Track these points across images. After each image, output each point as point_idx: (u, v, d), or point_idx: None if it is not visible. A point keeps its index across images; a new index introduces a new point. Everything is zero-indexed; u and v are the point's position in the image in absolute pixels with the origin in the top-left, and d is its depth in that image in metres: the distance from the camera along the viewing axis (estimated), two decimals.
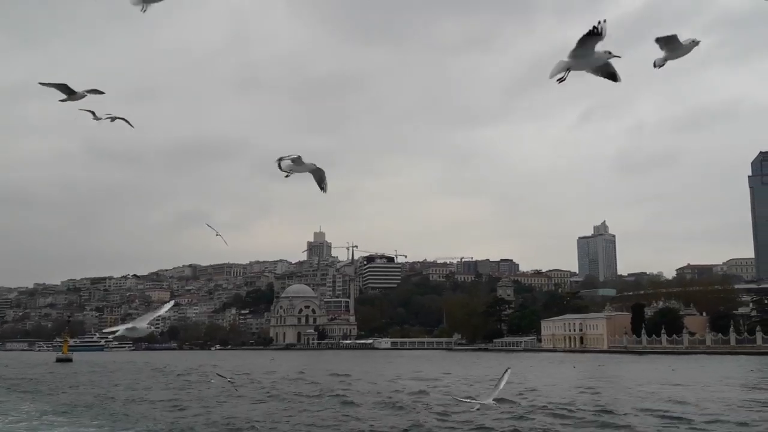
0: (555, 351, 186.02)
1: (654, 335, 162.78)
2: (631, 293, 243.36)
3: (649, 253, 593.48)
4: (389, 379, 70.49)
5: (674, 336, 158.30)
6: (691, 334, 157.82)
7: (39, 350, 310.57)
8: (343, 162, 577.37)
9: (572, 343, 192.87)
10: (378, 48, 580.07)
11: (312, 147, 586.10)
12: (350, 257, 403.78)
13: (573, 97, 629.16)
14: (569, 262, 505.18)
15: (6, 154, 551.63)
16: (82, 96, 13.25)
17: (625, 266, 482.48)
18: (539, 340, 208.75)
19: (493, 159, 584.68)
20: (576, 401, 43.38)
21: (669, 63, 10.65)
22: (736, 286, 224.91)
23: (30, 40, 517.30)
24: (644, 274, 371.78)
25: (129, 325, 12.00)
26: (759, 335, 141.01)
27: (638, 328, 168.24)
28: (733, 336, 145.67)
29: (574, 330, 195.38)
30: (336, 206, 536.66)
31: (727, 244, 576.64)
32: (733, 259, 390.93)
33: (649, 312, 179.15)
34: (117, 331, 11.26)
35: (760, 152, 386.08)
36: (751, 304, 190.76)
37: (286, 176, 11.43)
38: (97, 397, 52.89)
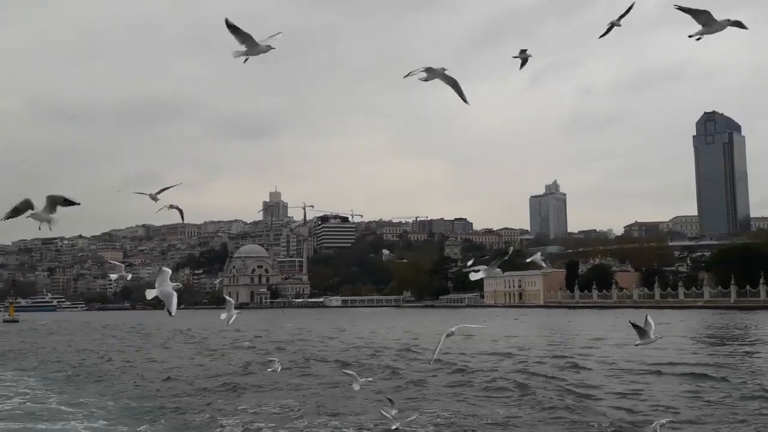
0: (496, 306, 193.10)
1: (586, 291, 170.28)
2: (573, 251, 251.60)
3: (599, 211, 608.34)
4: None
5: (604, 291, 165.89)
6: (620, 289, 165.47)
7: None
8: (297, 122, 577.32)
9: (512, 299, 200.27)
10: (329, 7, 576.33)
11: (265, 107, 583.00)
12: (304, 217, 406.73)
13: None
14: (522, 220, 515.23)
15: None
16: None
17: (575, 225, 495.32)
18: (482, 297, 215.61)
19: (447, 120, 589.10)
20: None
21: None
22: (671, 244, 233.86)
23: None
24: (594, 231, 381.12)
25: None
26: (681, 290, 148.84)
27: (572, 284, 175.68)
28: (657, 291, 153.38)
29: (514, 286, 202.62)
30: (293, 167, 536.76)
31: (673, 202, 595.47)
32: (678, 217, 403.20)
33: (584, 269, 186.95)
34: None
35: (705, 113, 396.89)
36: (688, 261, 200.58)
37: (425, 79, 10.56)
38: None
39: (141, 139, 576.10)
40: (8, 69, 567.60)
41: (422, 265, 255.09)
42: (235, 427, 22.11)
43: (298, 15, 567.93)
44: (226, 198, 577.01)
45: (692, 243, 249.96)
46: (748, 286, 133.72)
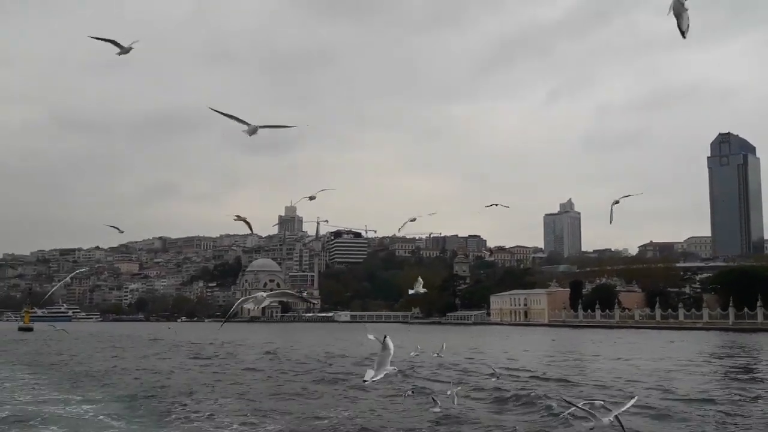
0: (502, 324, 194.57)
1: (590, 310, 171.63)
2: (581, 270, 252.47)
3: (613, 230, 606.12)
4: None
5: (607, 311, 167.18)
6: (623, 309, 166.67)
7: (7, 320, 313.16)
8: (313, 136, 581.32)
9: (517, 317, 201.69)
10: (345, 23, 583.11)
11: (280, 119, 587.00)
12: (317, 232, 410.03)
13: (540, 77, 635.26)
14: (536, 239, 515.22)
15: None
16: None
17: (590, 243, 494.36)
18: (488, 314, 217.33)
19: (462, 136, 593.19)
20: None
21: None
22: (679, 265, 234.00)
23: None
24: (608, 250, 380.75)
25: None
26: (681, 311, 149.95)
27: (576, 303, 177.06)
28: (658, 312, 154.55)
29: (519, 305, 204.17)
30: (309, 181, 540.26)
31: (688, 222, 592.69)
32: (693, 237, 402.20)
33: (589, 288, 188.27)
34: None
35: (719, 134, 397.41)
36: (695, 282, 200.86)
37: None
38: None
39: (159, 150, 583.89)
40: (32, 80, 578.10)
41: (431, 281, 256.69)
42: None
43: (314, 30, 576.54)
44: (242, 211, 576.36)
45: (701, 264, 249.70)
46: (746, 309, 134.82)
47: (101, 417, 26.61)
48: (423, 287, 20.07)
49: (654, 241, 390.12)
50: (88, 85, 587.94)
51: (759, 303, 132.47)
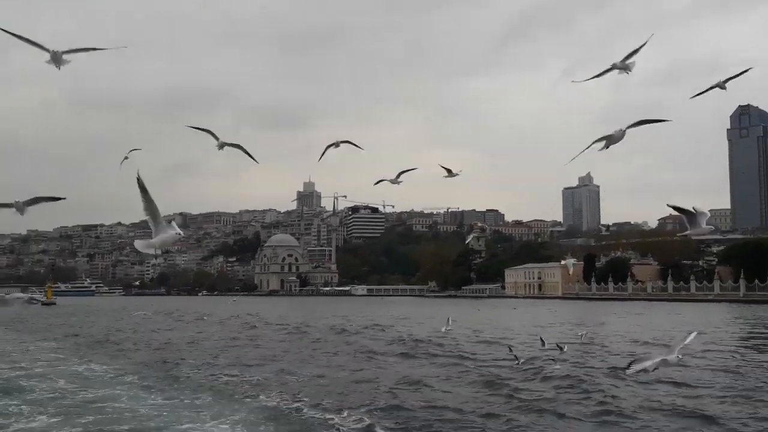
0: (516, 297, 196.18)
1: (603, 283, 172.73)
2: (597, 244, 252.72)
3: (633, 204, 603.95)
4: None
5: (620, 284, 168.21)
6: (635, 282, 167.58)
7: (32, 294, 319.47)
8: (330, 113, 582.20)
9: (532, 290, 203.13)
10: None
11: (299, 97, 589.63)
12: (334, 208, 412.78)
13: (559, 50, 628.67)
14: (556, 212, 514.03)
15: None
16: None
17: (609, 217, 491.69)
18: (503, 288, 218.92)
19: (481, 111, 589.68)
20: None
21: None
22: (696, 238, 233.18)
23: None
24: (628, 224, 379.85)
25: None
26: (693, 284, 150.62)
27: (589, 276, 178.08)
28: (670, 284, 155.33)
29: (534, 278, 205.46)
30: (327, 156, 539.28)
31: (709, 195, 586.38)
32: (713, 210, 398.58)
33: (603, 261, 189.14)
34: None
35: (739, 106, 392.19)
36: (710, 254, 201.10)
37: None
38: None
39: (176, 128, 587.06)
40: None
41: (447, 255, 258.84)
42: None
43: (329, 6, 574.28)
44: (262, 187, 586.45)
45: (718, 237, 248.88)
46: (756, 281, 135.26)
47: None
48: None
49: (673, 214, 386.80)
50: (105, 65, 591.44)
51: None
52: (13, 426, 18.93)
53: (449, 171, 15.30)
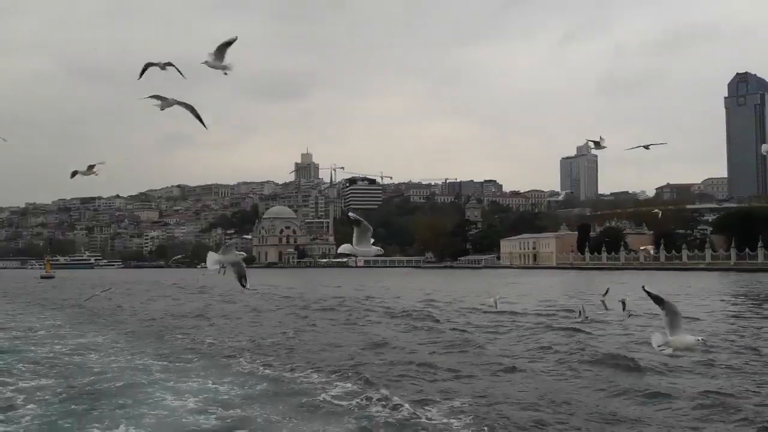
0: (511, 267, 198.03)
1: (596, 253, 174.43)
2: (591, 213, 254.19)
3: (631, 173, 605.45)
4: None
5: (613, 253, 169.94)
6: (628, 251, 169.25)
7: (31, 268, 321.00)
8: (328, 82, 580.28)
9: (527, 260, 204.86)
10: None
11: (296, 67, 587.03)
12: (330, 179, 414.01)
13: (557, 18, 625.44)
14: (553, 182, 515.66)
15: None
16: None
17: (607, 186, 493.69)
18: (498, 258, 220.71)
19: (478, 79, 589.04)
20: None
21: None
22: (690, 207, 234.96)
23: None
24: (625, 193, 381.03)
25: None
26: (684, 253, 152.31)
27: (583, 246, 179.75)
28: (662, 253, 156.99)
29: (529, 248, 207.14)
30: (325, 127, 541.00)
31: (706, 163, 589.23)
32: (710, 179, 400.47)
33: (598, 231, 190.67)
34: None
35: (737, 74, 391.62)
36: (704, 223, 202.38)
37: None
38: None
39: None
40: (41, 29, 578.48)
41: (444, 226, 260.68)
42: None
43: None
44: (261, 158, 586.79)
45: (712, 206, 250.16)
46: (747, 249, 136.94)
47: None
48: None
49: (671, 183, 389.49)
50: (98, 34, 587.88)
51: (760, 244, 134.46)
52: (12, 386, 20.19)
53: (596, 143, 14.35)
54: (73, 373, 22.11)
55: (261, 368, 22.61)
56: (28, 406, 17.37)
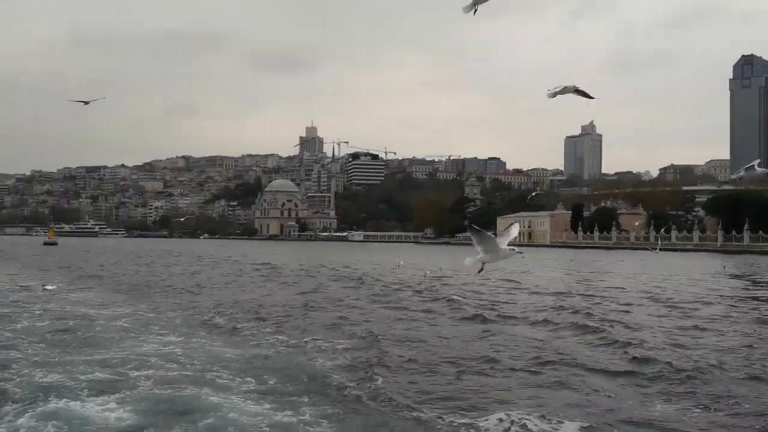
0: None
1: (589, 232, 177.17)
2: (588, 194, 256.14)
3: (636, 153, 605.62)
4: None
5: (605, 233, 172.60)
6: (620, 231, 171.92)
7: (36, 235, 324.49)
8: (333, 55, 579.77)
9: (521, 239, 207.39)
10: None
11: (302, 39, 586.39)
12: (333, 154, 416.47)
13: None
14: (557, 161, 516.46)
15: None
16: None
17: (611, 166, 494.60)
18: (495, 235, 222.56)
19: (485, 56, 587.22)
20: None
21: None
22: (686, 188, 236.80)
23: None
24: (629, 173, 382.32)
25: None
26: (674, 233, 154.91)
27: (576, 225, 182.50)
28: (652, 234, 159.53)
29: (524, 227, 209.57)
30: (330, 101, 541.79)
31: (710, 145, 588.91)
32: (713, 160, 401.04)
33: (593, 211, 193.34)
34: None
35: (742, 55, 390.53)
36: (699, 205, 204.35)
37: None
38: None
39: (180, 70, 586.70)
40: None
41: (443, 203, 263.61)
42: None
43: None
44: (267, 130, 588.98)
45: (709, 187, 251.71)
46: (733, 231, 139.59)
47: None
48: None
49: (675, 164, 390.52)
50: (104, 4, 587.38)
51: (746, 226, 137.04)
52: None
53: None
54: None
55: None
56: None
